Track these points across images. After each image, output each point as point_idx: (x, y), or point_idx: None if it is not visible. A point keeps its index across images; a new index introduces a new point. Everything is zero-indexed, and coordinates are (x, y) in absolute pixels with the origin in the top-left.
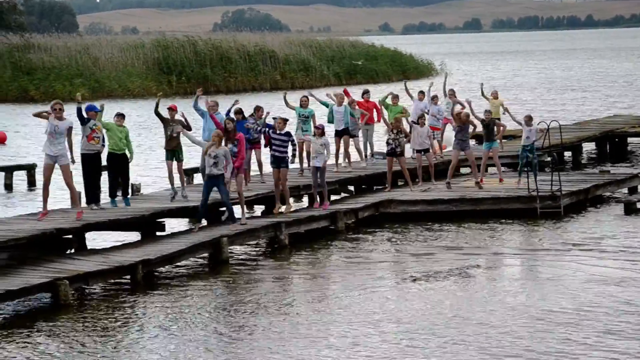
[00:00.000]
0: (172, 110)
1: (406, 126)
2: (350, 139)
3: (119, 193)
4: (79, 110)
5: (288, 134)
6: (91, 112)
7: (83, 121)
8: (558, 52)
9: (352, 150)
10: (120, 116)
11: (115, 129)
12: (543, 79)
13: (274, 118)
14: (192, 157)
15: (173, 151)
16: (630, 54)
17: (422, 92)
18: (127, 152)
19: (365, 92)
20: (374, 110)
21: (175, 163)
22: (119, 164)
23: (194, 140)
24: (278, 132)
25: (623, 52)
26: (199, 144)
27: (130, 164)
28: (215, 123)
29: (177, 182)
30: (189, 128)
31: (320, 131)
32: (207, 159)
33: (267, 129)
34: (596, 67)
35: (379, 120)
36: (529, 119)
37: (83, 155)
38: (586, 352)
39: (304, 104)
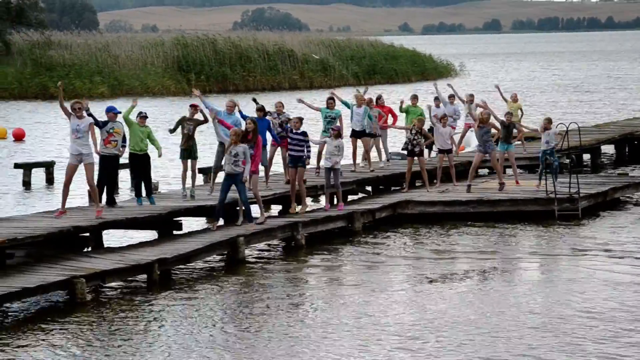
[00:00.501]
0: (194, 108)
1: (426, 126)
2: (372, 139)
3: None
4: (92, 117)
5: (304, 134)
6: (110, 113)
7: (99, 125)
8: (576, 54)
9: (372, 151)
10: (143, 117)
11: (137, 128)
12: (557, 81)
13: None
14: (206, 156)
15: (188, 150)
16: None
17: (436, 99)
18: (153, 149)
19: (379, 98)
20: (389, 114)
21: (189, 162)
22: (140, 164)
23: (210, 107)
24: (294, 131)
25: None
26: (213, 111)
27: (154, 161)
28: (225, 126)
29: (188, 179)
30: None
31: (337, 133)
32: (227, 156)
33: (285, 130)
34: (612, 70)
35: (393, 124)
36: (548, 123)
37: (101, 157)
38: (598, 357)
39: (330, 105)
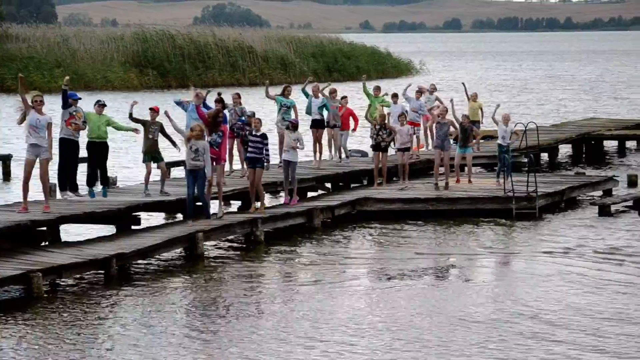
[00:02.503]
0: (154, 111)
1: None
2: (332, 130)
3: (97, 183)
4: (64, 92)
5: (264, 136)
6: (70, 99)
7: (66, 104)
8: (527, 53)
9: (325, 142)
10: (101, 105)
11: (95, 117)
12: (510, 80)
13: (248, 115)
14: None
15: (151, 155)
16: (599, 58)
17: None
18: (113, 139)
19: (343, 98)
20: (350, 117)
21: (153, 165)
22: (98, 153)
23: (176, 127)
24: (254, 133)
25: (590, 55)
26: (181, 132)
27: (113, 151)
28: (200, 116)
29: (157, 178)
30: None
31: (295, 125)
32: (188, 151)
33: (245, 132)
34: (556, 70)
35: (354, 130)
36: (506, 119)
37: (61, 140)
38: (546, 355)
39: (287, 93)
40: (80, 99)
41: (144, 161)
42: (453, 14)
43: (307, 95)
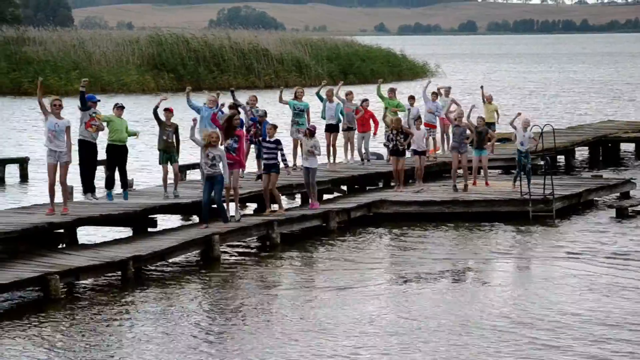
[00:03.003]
0: (169, 112)
1: (405, 123)
2: (348, 133)
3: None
4: (82, 94)
5: (277, 142)
6: (90, 102)
7: (85, 106)
8: (544, 56)
9: (341, 145)
10: (120, 107)
11: (115, 119)
12: (523, 82)
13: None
14: (188, 154)
15: (168, 154)
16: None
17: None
18: (131, 139)
19: (364, 101)
20: (371, 119)
21: (170, 166)
22: (119, 156)
23: (192, 138)
24: (268, 139)
25: (608, 57)
26: (197, 142)
27: (132, 155)
28: (217, 125)
29: (170, 181)
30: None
31: (311, 132)
32: (205, 159)
33: (258, 139)
34: (573, 73)
35: (375, 133)
36: (526, 125)
37: (80, 142)
38: (566, 358)
39: (299, 95)
40: (99, 101)
41: (160, 162)
42: (468, 16)
43: (321, 99)
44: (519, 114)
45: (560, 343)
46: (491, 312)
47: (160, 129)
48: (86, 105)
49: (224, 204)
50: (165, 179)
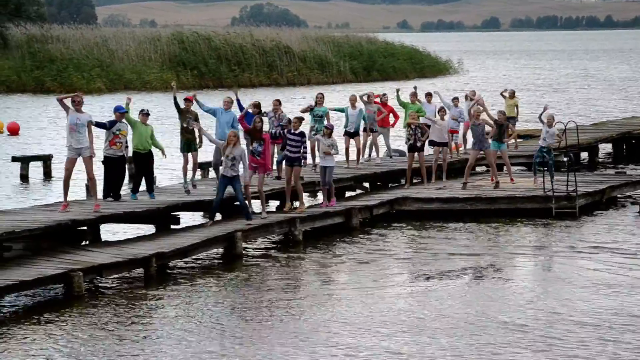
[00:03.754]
0: (188, 101)
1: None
2: (371, 134)
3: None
4: (102, 124)
5: (302, 134)
6: (117, 113)
7: (106, 126)
8: (566, 52)
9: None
10: (145, 114)
11: (141, 127)
12: (549, 79)
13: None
14: (207, 151)
15: (188, 142)
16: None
17: (429, 94)
18: (155, 149)
19: (383, 95)
20: (390, 114)
21: (190, 155)
22: (144, 163)
23: (211, 139)
24: (293, 131)
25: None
26: (216, 143)
27: (156, 159)
28: (243, 126)
29: (190, 172)
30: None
31: (329, 132)
32: (225, 160)
33: (283, 130)
34: (588, 69)
35: (393, 125)
36: (550, 121)
37: (106, 158)
38: (588, 356)
39: (319, 101)
40: (127, 112)
41: (181, 150)
42: (491, 12)
43: (341, 110)
44: (546, 107)
45: (583, 341)
46: (514, 310)
47: (181, 118)
48: (108, 125)
49: (247, 202)
50: (185, 168)
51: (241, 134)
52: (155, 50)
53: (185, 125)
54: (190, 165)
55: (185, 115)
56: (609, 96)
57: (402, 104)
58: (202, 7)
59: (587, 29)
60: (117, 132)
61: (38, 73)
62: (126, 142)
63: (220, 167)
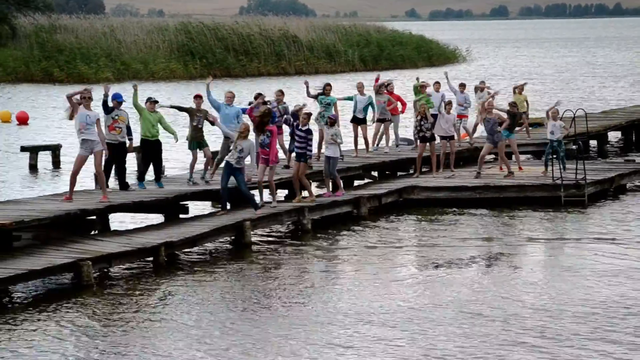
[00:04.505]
0: (199, 98)
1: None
2: (382, 124)
3: (148, 177)
4: (104, 102)
5: (308, 131)
6: (114, 101)
7: (107, 110)
8: (576, 40)
9: (369, 136)
10: (153, 102)
11: (147, 114)
12: (557, 68)
13: (295, 111)
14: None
15: (197, 142)
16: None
17: (437, 83)
18: (167, 136)
19: (389, 84)
20: (398, 101)
21: (201, 152)
22: (152, 150)
23: (226, 132)
24: (301, 127)
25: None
26: (230, 136)
27: (173, 145)
28: (251, 119)
29: (201, 166)
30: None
31: (332, 121)
32: (233, 151)
33: (290, 117)
34: (589, 57)
35: (402, 111)
36: (555, 114)
37: (107, 144)
38: (594, 346)
39: (327, 91)
40: (124, 101)
41: (189, 147)
42: (500, 1)
43: (350, 98)
44: (558, 103)
45: (591, 329)
46: (523, 300)
47: (190, 116)
48: (108, 109)
49: (254, 191)
50: (192, 165)
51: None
52: (163, 40)
53: (195, 124)
54: (204, 160)
55: (196, 114)
56: (615, 84)
57: (415, 91)
58: None
59: (596, 17)
60: (116, 117)
61: (46, 63)
62: (128, 133)
63: (227, 156)
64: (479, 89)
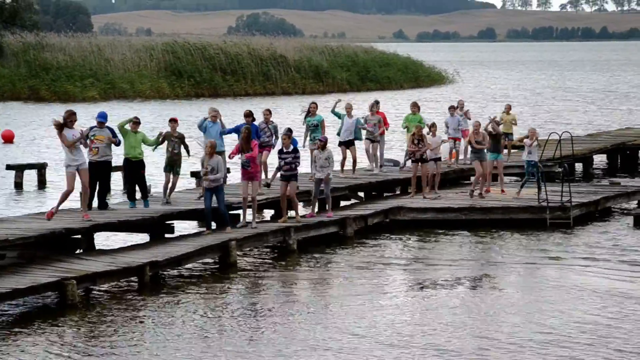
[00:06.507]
0: (174, 122)
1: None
2: (372, 144)
3: (137, 196)
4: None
5: (295, 151)
6: (97, 119)
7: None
8: (560, 64)
9: (360, 157)
10: (135, 123)
11: (131, 135)
12: (540, 90)
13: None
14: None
15: (172, 165)
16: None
17: (452, 107)
18: (147, 154)
19: (377, 103)
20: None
21: (171, 176)
22: (134, 170)
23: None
24: (285, 150)
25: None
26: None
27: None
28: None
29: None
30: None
31: (323, 144)
32: (202, 169)
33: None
34: (565, 81)
35: (382, 133)
36: (532, 135)
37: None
38: None
39: (312, 111)
40: (104, 122)
41: (164, 170)
42: (487, 23)
43: (338, 116)
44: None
45: (576, 352)
46: (508, 321)
47: (167, 141)
48: (87, 131)
49: (241, 210)
50: (166, 187)
51: None
52: (151, 59)
53: (170, 149)
54: (169, 185)
55: (171, 138)
56: (605, 107)
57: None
58: (199, 16)
59: (582, 40)
60: (92, 137)
61: (33, 81)
62: (116, 141)
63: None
64: (457, 107)
